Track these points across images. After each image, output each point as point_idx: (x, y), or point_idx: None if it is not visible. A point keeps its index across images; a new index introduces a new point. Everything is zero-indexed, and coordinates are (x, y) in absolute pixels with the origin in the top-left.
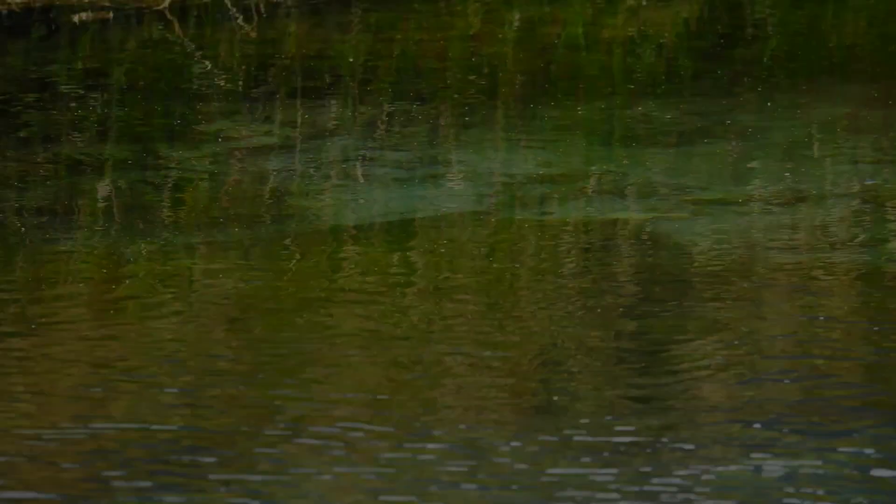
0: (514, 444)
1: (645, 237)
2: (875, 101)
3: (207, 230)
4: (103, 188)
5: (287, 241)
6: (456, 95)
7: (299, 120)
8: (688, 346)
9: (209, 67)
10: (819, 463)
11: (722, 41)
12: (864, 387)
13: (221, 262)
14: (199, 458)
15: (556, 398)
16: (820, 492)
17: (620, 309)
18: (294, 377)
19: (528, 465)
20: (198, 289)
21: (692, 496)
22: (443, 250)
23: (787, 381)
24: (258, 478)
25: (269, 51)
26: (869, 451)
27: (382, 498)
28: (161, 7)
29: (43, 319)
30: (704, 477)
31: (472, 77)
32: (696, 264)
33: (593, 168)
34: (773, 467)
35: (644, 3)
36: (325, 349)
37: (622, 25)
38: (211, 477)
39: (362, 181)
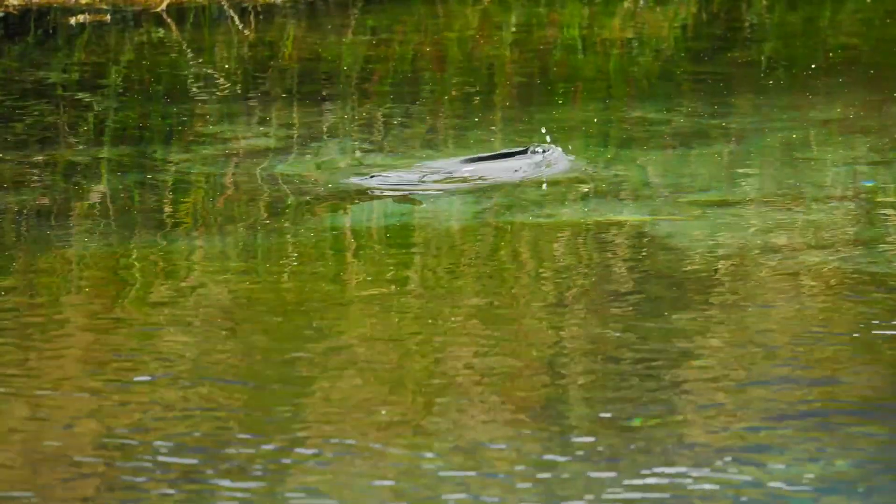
0: (513, 444)
1: (642, 238)
2: (872, 103)
3: (205, 232)
4: (100, 190)
5: (285, 244)
6: (453, 97)
7: (296, 122)
8: (685, 348)
9: (206, 69)
10: (817, 464)
11: (719, 43)
12: (862, 389)
13: (219, 264)
14: (198, 462)
15: (555, 399)
16: (819, 493)
17: (619, 310)
18: (293, 379)
19: (528, 465)
20: (196, 291)
21: (691, 497)
22: (441, 253)
23: (784, 383)
24: (256, 481)
25: (266, 53)
26: (867, 451)
27: (381, 501)
28: (158, 9)
29: (41, 322)
30: (703, 478)
31: (469, 79)
32: (693, 265)
33: (591, 170)
34: (771, 468)
35: (641, 4)
36: (325, 351)
37: (619, 28)
38: (210, 480)
39: (360, 183)
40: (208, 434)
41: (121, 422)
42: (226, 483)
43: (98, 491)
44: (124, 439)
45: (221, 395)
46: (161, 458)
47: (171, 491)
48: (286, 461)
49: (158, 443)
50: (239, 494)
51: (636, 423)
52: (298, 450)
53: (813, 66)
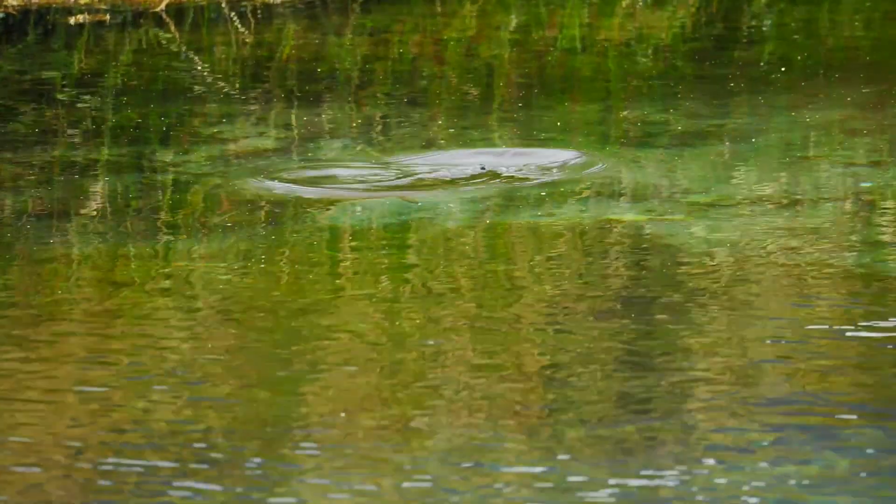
0: (511, 447)
1: (640, 239)
2: (871, 104)
3: (204, 233)
4: (99, 190)
5: (284, 244)
6: (452, 97)
7: (295, 122)
8: (683, 349)
9: (205, 70)
10: (815, 466)
11: (718, 44)
12: (858, 390)
13: (218, 264)
14: (196, 462)
15: (553, 401)
16: (816, 495)
17: (616, 312)
18: (292, 380)
19: (525, 468)
20: (195, 292)
21: (688, 499)
22: (439, 253)
23: (782, 385)
24: (252, 482)
25: (264, 53)
26: (864, 453)
27: (379, 502)
28: (157, 9)
29: (40, 322)
30: (701, 481)
31: (468, 79)
32: (691, 266)
33: (589, 170)
34: (770, 470)
35: (640, 3)
36: (324, 352)
37: (618, 28)
38: (208, 480)
39: (359, 183)
40: (196, 437)
41: (117, 423)
42: (211, 487)
43: (93, 493)
44: (121, 440)
45: (214, 398)
46: (156, 459)
47: (154, 493)
48: (281, 462)
49: (155, 443)
50: (230, 494)
51: (630, 428)
52: (294, 448)
53: (813, 66)
